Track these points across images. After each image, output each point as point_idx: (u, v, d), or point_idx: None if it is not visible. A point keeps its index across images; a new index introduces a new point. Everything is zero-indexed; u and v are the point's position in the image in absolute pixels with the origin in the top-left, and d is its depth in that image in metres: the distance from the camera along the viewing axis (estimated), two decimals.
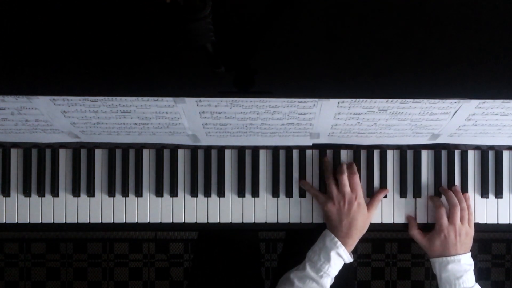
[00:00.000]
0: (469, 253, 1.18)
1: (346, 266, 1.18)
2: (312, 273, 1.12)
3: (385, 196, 1.22)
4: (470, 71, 0.94)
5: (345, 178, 1.18)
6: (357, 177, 1.19)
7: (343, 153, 1.22)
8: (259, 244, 1.49)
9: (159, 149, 1.21)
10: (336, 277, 1.16)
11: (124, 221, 1.21)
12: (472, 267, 1.18)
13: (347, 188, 1.17)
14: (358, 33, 0.94)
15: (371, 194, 1.22)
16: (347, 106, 0.99)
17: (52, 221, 1.21)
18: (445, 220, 1.18)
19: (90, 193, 1.21)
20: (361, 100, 0.97)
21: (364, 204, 1.18)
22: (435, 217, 1.20)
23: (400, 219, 1.23)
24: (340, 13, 0.94)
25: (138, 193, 1.21)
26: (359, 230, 1.17)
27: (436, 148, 1.22)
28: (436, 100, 0.97)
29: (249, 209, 1.22)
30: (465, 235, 1.18)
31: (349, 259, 1.15)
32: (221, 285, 1.34)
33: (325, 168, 1.21)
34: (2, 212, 1.21)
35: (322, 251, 1.14)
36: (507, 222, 1.23)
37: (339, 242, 1.14)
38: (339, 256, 1.14)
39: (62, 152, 1.21)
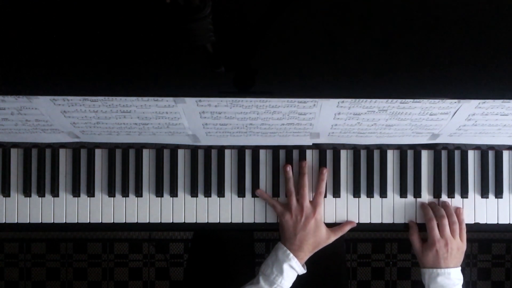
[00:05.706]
0: (459, 268, 1.18)
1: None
2: (266, 286, 1.13)
3: (385, 196, 1.22)
4: (470, 71, 0.94)
5: (306, 191, 1.18)
6: (321, 196, 1.19)
7: (343, 153, 1.22)
8: (254, 244, 1.49)
9: (159, 149, 1.21)
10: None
11: (124, 221, 1.21)
12: (461, 282, 1.17)
13: (307, 203, 1.17)
14: (358, 33, 0.94)
15: (371, 195, 1.22)
16: (347, 106, 0.99)
17: (52, 221, 1.21)
18: (436, 232, 1.18)
19: (90, 193, 1.21)
20: (361, 100, 0.97)
21: (322, 223, 1.19)
22: (427, 230, 1.19)
23: (400, 219, 1.23)
24: (340, 13, 0.94)
25: (138, 193, 1.21)
26: (312, 246, 1.17)
27: (436, 148, 1.22)
28: (436, 100, 0.97)
29: (249, 209, 1.22)
30: (457, 250, 1.17)
31: (301, 270, 1.16)
32: (215, 285, 1.34)
33: (287, 178, 1.20)
34: (2, 212, 1.20)
35: (275, 264, 1.14)
36: (507, 222, 1.23)
37: (291, 255, 1.14)
38: (291, 268, 1.14)
39: (62, 152, 1.21)
